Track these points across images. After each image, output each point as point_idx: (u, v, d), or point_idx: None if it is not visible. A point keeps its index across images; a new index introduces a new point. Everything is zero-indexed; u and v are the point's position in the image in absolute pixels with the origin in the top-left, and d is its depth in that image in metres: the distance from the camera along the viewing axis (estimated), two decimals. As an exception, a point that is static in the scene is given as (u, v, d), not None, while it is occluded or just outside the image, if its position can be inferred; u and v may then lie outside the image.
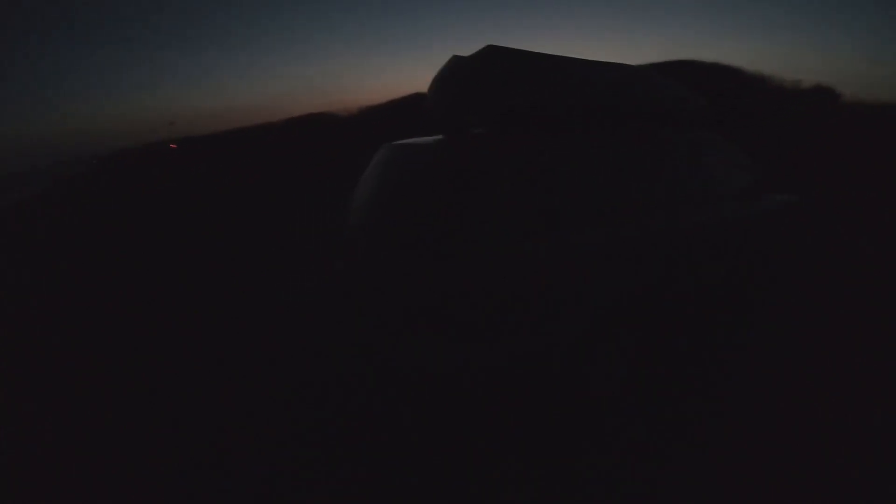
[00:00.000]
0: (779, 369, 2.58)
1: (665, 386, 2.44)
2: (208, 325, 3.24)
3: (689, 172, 2.71)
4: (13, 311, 3.88)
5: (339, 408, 2.34)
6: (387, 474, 1.94)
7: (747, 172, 3.09)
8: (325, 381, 2.56)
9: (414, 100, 14.17)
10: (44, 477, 2.03)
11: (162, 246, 5.49)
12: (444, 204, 2.03)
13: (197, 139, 17.21)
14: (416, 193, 2.18)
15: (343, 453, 2.06)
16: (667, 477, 1.91)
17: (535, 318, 2.09)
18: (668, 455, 2.02)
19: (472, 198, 2.00)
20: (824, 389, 2.37)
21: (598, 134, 2.44)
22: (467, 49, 2.77)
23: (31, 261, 5.53)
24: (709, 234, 2.77)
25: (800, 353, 2.72)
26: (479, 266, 1.96)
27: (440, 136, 2.48)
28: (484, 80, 2.26)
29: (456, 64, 2.42)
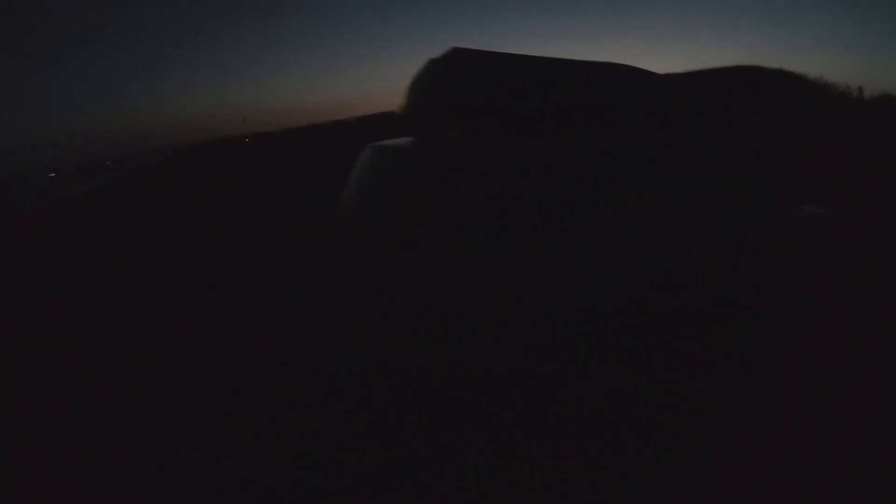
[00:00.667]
0: (779, 369, 2.58)
1: (664, 386, 2.44)
2: (208, 325, 3.25)
3: (685, 180, 2.59)
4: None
5: (338, 408, 2.34)
6: (386, 474, 1.95)
7: (768, 183, 2.90)
8: (325, 382, 2.56)
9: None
10: (44, 477, 2.03)
11: (162, 246, 5.51)
12: (415, 204, 2.10)
13: (266, 135, 18.18)
14: (391, 193, 2.25)
15: (343, 453, 2.06)
16: (667, 477, 1.92)
17: (504, 321, 2.10)
18: (669, 455, 2.02)
19: (442, 198, 2.06)
20: (824, 389, 2.38)
21: (576, 135, 2.41)
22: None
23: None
24: (704, 246, 2.63)
25: (799, 353, 2.72)
26: (448, 265, 2.00)
27: (412, 139, 2.54)
28: (448, 82, 2.31)
29: (426, 66, 2.46)
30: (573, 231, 2.22)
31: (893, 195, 5.23)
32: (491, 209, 2.08)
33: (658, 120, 2.70)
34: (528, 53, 2.41)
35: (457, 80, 2.30)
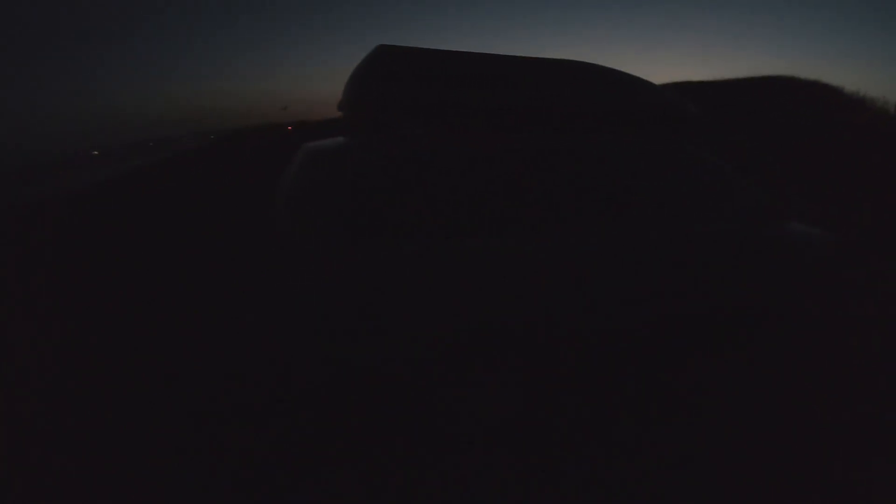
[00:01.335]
0: (779, 369, 2.58)
1: (663, 387, 2.44)
2: (208, 325, 3.24)
3: (622, 182, 2.46)
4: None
5: (337, 408, 2.34)
6: (384, 474, 1.95)
7: (742, 194, 2.66)
8: (324, 381, 2.55)
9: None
10: (44, 477, 2.03)
11: (162, 246, 5.48)
12: (342, 203, 2.13)
13: (308, 123, 18.20)
14: (317, 193, 2.22)
15: (343, 453, 2.07)
16: (666, 477, 1.92)
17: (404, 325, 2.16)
18: (668, 455, 2.02)
19: (368, 198, 2.12)
20: (824, 390, 2.38)
21: (502, 133, 2.39)
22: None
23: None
24: (643, 255, 2.45)
25: (799, 353, 2.72)
26: (366, 266, 2.09)
27: (341, 138, 2.53)
28: (372, 79, 2.32)
29: (357, 65, 2.49)
30: (493, 233, 2.23)
31: None
32: (407, 210, 2.14)
33: (605, 119, 2.58)
34: (461, 50, 2.42)
35: (381, 77, 2.31)
